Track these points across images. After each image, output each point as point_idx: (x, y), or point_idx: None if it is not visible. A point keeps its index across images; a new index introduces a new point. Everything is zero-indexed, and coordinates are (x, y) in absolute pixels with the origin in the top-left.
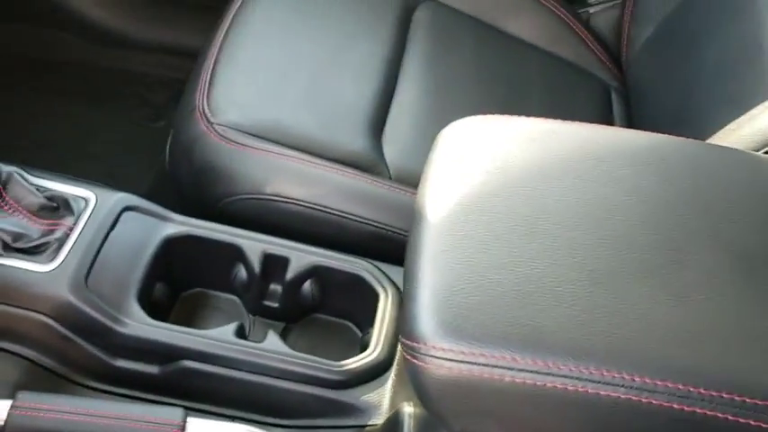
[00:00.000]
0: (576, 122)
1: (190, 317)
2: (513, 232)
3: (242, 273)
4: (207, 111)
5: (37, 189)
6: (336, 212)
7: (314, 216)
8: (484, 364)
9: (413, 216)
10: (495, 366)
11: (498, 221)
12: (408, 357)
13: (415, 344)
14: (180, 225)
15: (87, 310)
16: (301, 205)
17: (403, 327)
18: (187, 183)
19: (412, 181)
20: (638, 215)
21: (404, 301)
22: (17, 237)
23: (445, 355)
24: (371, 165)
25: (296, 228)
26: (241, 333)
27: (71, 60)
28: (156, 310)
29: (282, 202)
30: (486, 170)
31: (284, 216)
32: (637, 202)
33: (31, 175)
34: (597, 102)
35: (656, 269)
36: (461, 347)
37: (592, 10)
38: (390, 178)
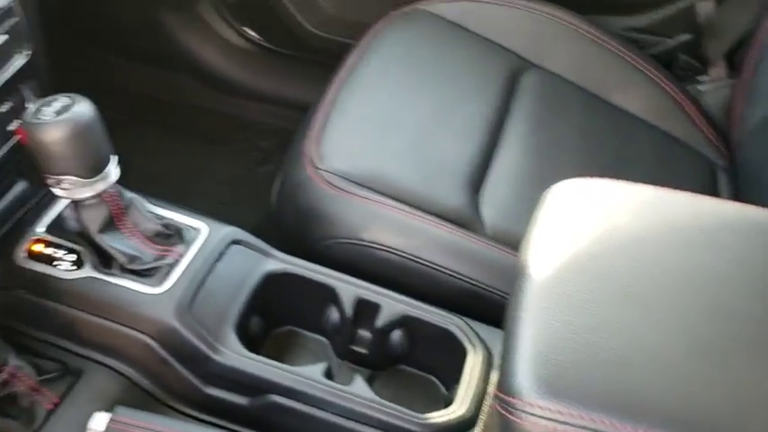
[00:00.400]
0: (683, 192)
1: (279, 354)
2: (614, 295)
3: (334, 315)
4: (314, 157)
5: (154, 216)
6: (430, 265)
7: (408, 266)
8: (581, 426)
9: (516, 272)
10: (593, 430)
11: (600, 283)
12: (503, 413)
13: (511, 399)
14: (281, 262)
15: (188, 335)
16: (397, 254)
17: (500, 381)
18: (290, 223)
19: (508, 240)
20: (742, 286)
21: (503, 355)
22: (132, 259)
23: (542, 413)
24: (469, 222)
25: (389, 276)
26: (329, 375)
27: (192, 103)
28: (249, 343)
29: (379, 249)
30: (590, 231)
31: (379, 263)
32: (741, 272)
33: (150, 202)
34: (702, 179)
35: (761, 341)
36: (558, 407)
37: (701, 88)
38: (487, 236)
